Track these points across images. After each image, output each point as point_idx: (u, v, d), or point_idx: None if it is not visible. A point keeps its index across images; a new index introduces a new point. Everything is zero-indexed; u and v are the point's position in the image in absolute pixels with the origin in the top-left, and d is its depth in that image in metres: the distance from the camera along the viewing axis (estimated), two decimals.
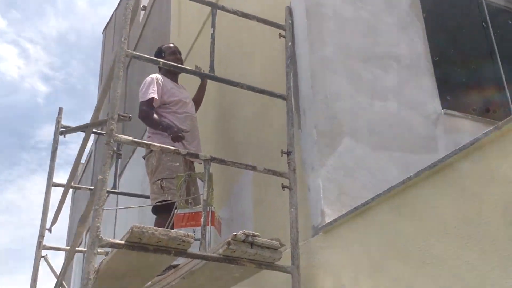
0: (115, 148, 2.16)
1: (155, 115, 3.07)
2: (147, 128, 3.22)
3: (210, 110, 3.78)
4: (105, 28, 12.47)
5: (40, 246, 3.53)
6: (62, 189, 3.72)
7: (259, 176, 2.93)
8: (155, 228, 2.02)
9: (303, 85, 2.68)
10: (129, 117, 2.27)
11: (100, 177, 2.09)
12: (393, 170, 2.56)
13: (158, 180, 3.00)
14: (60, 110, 3.91)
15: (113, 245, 1.99)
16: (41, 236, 3.55)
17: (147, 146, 2.25)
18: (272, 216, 2.72)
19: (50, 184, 3.69)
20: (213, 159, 2.34)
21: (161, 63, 2.47)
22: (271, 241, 2.20)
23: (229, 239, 2.13)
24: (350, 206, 2.22)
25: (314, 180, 2.42)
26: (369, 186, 2.45)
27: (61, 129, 3.76)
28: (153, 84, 3.20)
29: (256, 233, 2.17)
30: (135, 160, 5.87)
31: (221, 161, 2.36)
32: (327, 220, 2.28)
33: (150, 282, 2.86)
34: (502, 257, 1.48)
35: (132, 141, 2.23)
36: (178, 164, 3.04)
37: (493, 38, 3.51)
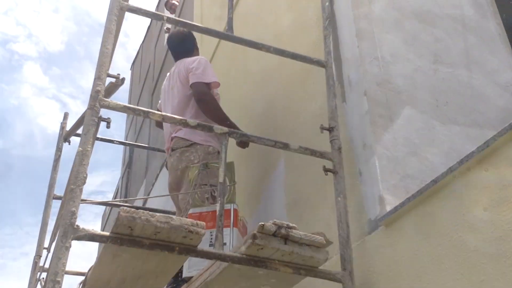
0: (100, 115, 1.64)
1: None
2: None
3: (234, 84, 3.25)
4: (133, 63, 12.33)
5: (36, 267, 2.98)
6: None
7: (293, 166, 2.36)
8: (150, 213, 1.46)
9: (345, 47, 2.13)
10: (122, 79, 1.76)
11: (80, 149, 1.56)
12: (470, 148, 1.94)
13: (206, 184, 2.33)
14: (66, 115, 3.46)
15: (93, 237, 1.43)
16: (37, 255, 3.02)
17: (146, 114, 1.72)
18: (312, 212, 2.11)
19: (51, 196, 3.19)
20: (231, 133, 1.79)
21: (165, 18, 1.97)
22: (313, 235, 1.60)
23: (255, 232, 1.54)
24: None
25: (367, 160, 1.83)
26: (442, 168, 1.83)
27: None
28: (210, 66, 2.66)
29: (291, 224, 1.58)
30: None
31: (242, 136, 1.81)
32: (388, 209, 1.67)
33: None
34: None
35: (125, 107, 1.70)
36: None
37: None
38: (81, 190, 1.49)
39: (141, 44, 11.23)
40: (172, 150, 2.55)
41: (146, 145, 3.79)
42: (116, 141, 3.43)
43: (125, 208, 1.44)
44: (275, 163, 2.58)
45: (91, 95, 1.66)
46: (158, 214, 1.47)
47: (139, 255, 1.59)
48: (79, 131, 3.24)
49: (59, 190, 3.32)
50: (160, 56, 7.75)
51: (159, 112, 1.75)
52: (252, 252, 1.56)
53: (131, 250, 1.53)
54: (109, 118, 1.67)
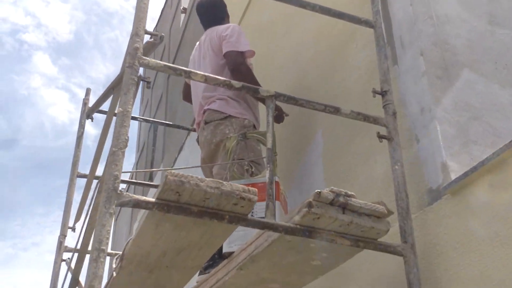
0: (140, 74, 1.51)
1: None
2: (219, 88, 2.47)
3: (266, 52, 3.09)
4: None
5: (61, 247, 2.89)
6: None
7: (332, 137, 2.22)
8: (199, 177, 1.33)
9: (396, 7, 1.97)
10: (161, 36, 1.62)
11: (120, 109, 1.44)
12: None
13: (243, 159, 2.21)
14: (88, 90, 3.34)
15: (138, 204, 1.31)
16: (62, 235, 2.91)
17: (187, 74, 1.58)
18: (355, 186, 1.98)
19: (75, 174, 3.08)
20: (278, 96, 1.65)
21: None
22: (373, 204, 1.46)
23: (310, 200, 1.41)
24: (481, 159, 1.47)
25: (426, 125, 1.69)
26: (505, 133, 1.69)
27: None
28: (244, 34, 2.50)
29: (350, 192, 1.45)
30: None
31: (290, 99, 1.67)
32: (453, 176, 1.53)
33: (197, 281, 2.16)
34: None
35: (166, 66, 1.57)
36: (260, 148, 2.34)
37: None
38: (123, 153, 1.37)
39: (155, 27, 11.09)
40: (205, 123, 2.42)
41: (171, 123, 3.68)
42: (140, 118, 3.31)
43: (173, 171, 1.32)
44: (312, 135, 2.44)
45: (129, 53, 1.53)
46: (207, 179, 1.35)
47: (183, 225, 1.47)
48: (103, 107, 3.12)
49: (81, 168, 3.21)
50: (176, 38, 7.61)
51: (201, 73, 1.62)
52: (307, 222, 1.43)
53: (175, 219, 1.42)
54: (149, 77, 1.55)
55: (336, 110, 1.70)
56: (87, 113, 3.20)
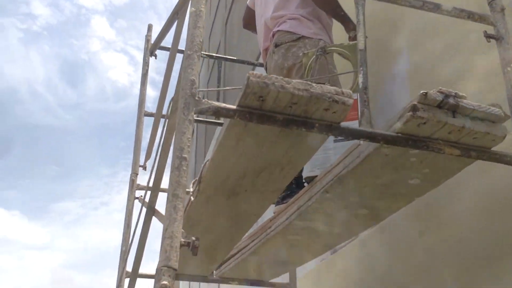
0: None
1: None
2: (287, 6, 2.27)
3: None
4: None
5: (133, 185, 2.86)
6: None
7: (418, 53, 1.98)
8: (285, 79, 1.17)
9: None
10: None
11: (192, 9, 1.28)
12: None
13: (320, 84, 2.01)
14: (149, 27, 3.23)
15: (218, 111, 1.17)
16: (134, 173, 2.89)
17: None
18: None
19: (142, 112, 3.03)
20: None
21: None
22: (488, 106, 1.25)
23: (415, 103, 1.21)
24: None
25: None
26: None
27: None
28: None
29: (461, 93, 1.23)
30: None
31: None
32: None
33: (274, 212, 2.05)
34: None
35: None
36: (336, 70, 2.14)
37: None
38: (198, 57, 1.22)
39: None
40: (276, 46, 2.23)
41: (235, 58, 3.53)
42: (204, 54, 3.17)
43: (255, 73, 1.16)
44: (396, 54, 2.20)
45: None
46: (293, 80, 1.18)
47: (265, 139, 1.32)
48: (164, 44, 3.01)
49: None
50: None
51: None
52: (410, 130, 1.24)
53: (257, 131, 1.27)
54: None
55: (436, 7, 1.46)
56: (150, 49, 3.10)
